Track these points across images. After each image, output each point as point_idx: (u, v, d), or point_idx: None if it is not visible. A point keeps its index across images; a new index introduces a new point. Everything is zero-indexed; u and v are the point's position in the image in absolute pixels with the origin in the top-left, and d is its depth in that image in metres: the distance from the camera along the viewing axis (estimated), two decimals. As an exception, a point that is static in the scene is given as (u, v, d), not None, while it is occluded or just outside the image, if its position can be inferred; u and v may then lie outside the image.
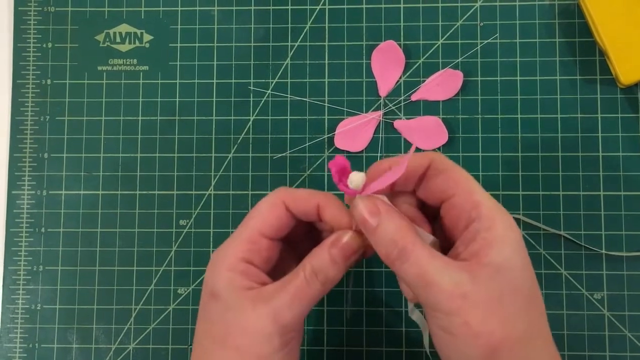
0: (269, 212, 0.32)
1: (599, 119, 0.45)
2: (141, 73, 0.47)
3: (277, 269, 0.34)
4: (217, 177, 0.46)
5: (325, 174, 0.45)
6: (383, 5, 0.46)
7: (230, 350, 0.30)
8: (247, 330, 0.30)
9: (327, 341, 0.44)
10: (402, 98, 0.45)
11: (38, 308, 0.45)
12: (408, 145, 0.45)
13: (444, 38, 0.46)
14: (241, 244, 0.32)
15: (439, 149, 0.45)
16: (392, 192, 0.33)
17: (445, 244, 0.32)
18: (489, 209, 0.29)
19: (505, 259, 0.28)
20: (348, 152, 0.45)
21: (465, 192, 0.30)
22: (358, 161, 0.45)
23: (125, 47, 0.47)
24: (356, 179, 0.30)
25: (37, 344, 0.45)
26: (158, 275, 0.45)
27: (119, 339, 0.45)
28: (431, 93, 0.45)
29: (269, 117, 0.46)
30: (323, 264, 0.31)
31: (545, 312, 0.30)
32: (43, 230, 0.46)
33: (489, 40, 0.45)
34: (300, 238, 0.35)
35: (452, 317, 0.27)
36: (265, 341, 0.30)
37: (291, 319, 0.30)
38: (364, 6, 0.46)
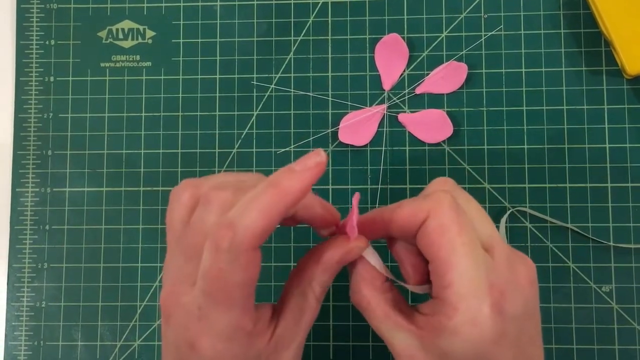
0: (245, 278, 0.27)
1: (605, 110, 0.44)
2: (144, 69, 0.47)
3: None
4: (221, 172, 0.45)
5: (330, 168, 0.45)
6: (386, -1, 0.46)
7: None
8: None
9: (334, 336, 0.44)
10: (406, 91, 0.45)
11: (43, 305, 0.45)
12: (412, 138, 0.45)
13: (447, 31, 0.46)
14: (239, 320, 0.27)
15: (444, 142, 0.44)
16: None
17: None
18: (459, 297, 0.26)
19: (454, 349, 0.27)
20: (352, 146, 0.45)
21: (442, 264, 0.27)
22: (363, 156, 0.45)
23: (128, 44, 0.47)
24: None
25: (42, 342, 0.45)
26: (162, 272, 0.45)
27: (124, 336, 0.45)
28: (435, 86, 0.45)
29: (273, 112, 0.46)
30: (331, 281, 0.30)
31: None
32: (47, 227, 0.46)
33: (493, 32, 0.45)
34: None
35: None
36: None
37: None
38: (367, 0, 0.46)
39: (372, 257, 0.31)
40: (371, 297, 0.29)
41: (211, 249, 0.26)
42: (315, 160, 0.27)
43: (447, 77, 0.45)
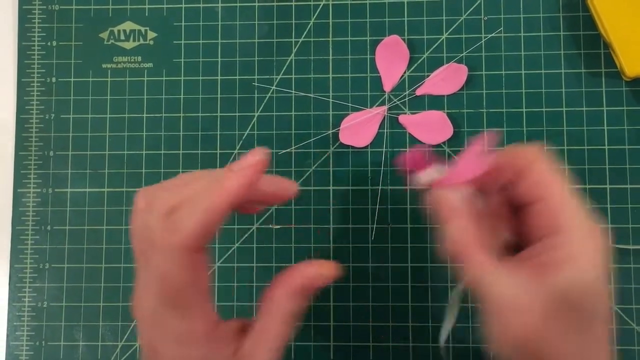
0: (186, 279, 0.27)
1: (605, 112, 0.44)
2: (145, 70, 0.47)
3: None
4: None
5: (331, 169, 0.45)
6: (387, 0, 0.46)
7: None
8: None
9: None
10: (407, 93, 0.45)
11: (44, 306, 0.45)
12: (413, 139, 0.45)
13: (448, 32, 0.46)
14: (189, 323, 0.28)
15: (444, 143, 0.45)
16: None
17: (521, 239, 0.31)
18: (572, 229, 0.28)
19: (570, 281, 0.27)
20: (353, 147, 0.45)
21: (554, 199, 0.28)
22: (363, 157, 0.45)
23: (129, 45, 0.47)
24: (429, 175, 0.30)
25: (43, 342, 0.45)
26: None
27: (126, 336, 0.45)
28: (436, 87, 0.45)
29: (274, 113, 0.46)
30: (300, 306, 0.30)
31: (608, 339, 0.28)
32: (49, 228, 0.46)
33: (493, 34, 0.45)
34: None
35: (501, 325, 0.27)
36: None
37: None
38: (367, 1, 0.46)
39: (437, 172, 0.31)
40: (475, 245, 0.29)
41: (156, 252, 0.26)
42: (253, 159, 0.28)
43: (448, 79, 0.45)
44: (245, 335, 0.29)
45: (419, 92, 0.45)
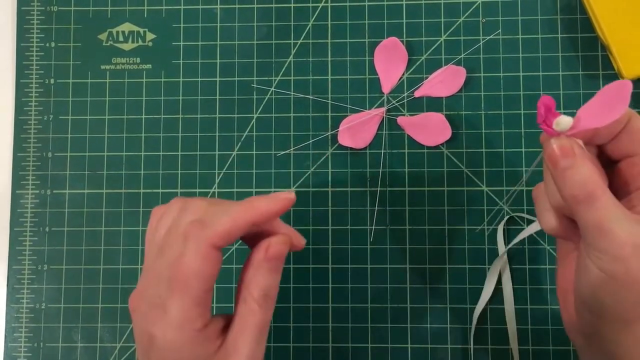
0: (204, 266, 0.30)
1: (602, 113, 0.45)
2: (144, 72, 0.47)
3: None
4: (221, 175, 0.46)
5: (329, 170, 0.45)
6: (385, 3, 0.46)
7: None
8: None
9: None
10: (405, 94, 0.45)
11: (43, 307, 0.45)
12: (411, 141, 0.45)
13: (446, 34, 0.46)
14: (190, 310, 0.29)
15: (442, 145, 0.45)
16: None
17: (616, 192, 0.32)
18: None
19: None
20: (352, 148, 0.45)
21: None
22: (362, 158, 0.45)
23: (128, 46, 0.47)
24: (564, 122, 0.30)
25: (42, 343, 0.45)
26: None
27: (124, 338, 0.45)
28: (434, 89, 0.45)
29: (273, 115, 0.46)
30: (269, 282, 0.31)
31: None
32: (47, 229, 0.46)
33: (491, 37, 0.46)
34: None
35: (618, 262, 0.28)
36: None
37: (260, 353, 0.30)
38: (366, 3, 0.47)
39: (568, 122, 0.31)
40: (605, 186, 0.29)
41: (179, 240, 0.30)
42: (286, 196, 0.32)
43: (446, 81, 0.45)
44: (228, 329, 0.31)
45: (417, 94, 0.45)
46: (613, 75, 0.45)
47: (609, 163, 0.32)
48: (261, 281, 0.31)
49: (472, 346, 0.43)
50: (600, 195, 0.29)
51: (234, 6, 0.47)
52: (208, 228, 0.30)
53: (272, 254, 0.31)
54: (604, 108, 0.30)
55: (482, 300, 0.43)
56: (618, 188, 0.32)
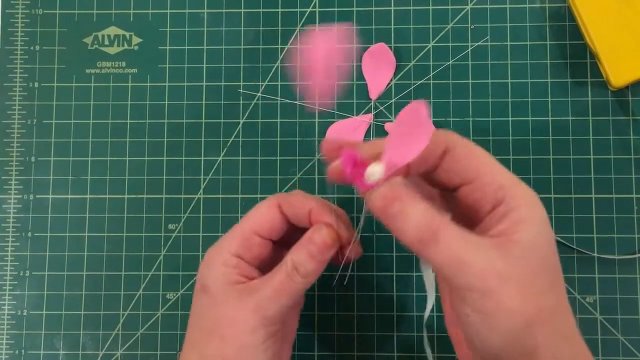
0: (264, 213, 0.35)
1: (590, 121, 0.44)
2: (130, 76, 0.46)
3: (270, 270, 0.34)
4: (207, 180, 0.45)
5: (316, 177, 0.45)
6: (374, 8, 0.46)
7: (216, 341, 0.32)
8: (232, 321, 0.32)
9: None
10: (393, 101, 0.45)
11: (24, 314, 0.45)
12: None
13: (434, 41, 0.46)
14: (235, 240, 0.34)
15: (430, 151, 0.44)
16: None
17: (467, 220, 0.31)
18: (514, 190, 0.29)
19: (533, 236, 0.28)
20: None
21: (488, 175, 0.29)
22: (349, 164, 0.45)
23: (113, 50, 0.47)
24: (376, 173, 0.28)
25: (23, 350, 0.44)
26: (147, 280, 0.45)
27: (107, 345, 0.44)
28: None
29: (259, 120, 0.46)
30: (302, 258, 0.32)
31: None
32: (30, 234, 0.45)
33: (479, 43, 0.45)
34: (294, 242, 0.35)
35: (487, 296, 0.27)
36: (250, 332, 0.32)
37: (275, 311, 0.32)
38: (354, 9, 0.46)
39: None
40: (444, 219, 0.28)
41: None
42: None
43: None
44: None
45: (388, 127, 0.45)
46: (601, 82, 0.44)
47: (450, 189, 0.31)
48: (297, 257, 0.33)
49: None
50: (443, 231, 0.27)
51: (221, 11, 0.47)
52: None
53: (314, 240, 0.33)
54: (408, 138, 0.27)
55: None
56: (468, 216, 0.30)
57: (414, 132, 0.27)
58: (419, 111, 0.26)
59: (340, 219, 0.35)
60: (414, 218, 0.28)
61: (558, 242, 0.43)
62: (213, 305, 0.33)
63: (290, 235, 0.36)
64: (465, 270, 0.27)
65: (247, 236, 0.34)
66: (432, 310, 0.43)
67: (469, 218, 0.30)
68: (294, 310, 0.38)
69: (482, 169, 0.30)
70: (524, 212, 0.28)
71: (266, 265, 0.35)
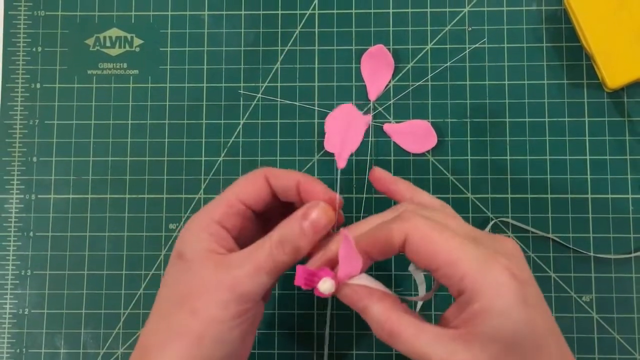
0: (250, 182, 0.34)
1: (586, 122, 0.45)
2: (131, 77, 0.47)
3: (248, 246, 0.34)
4: (207, 180, 0.46)
5: (315, 177, 0.45)
6: (372, 11, 0.47)
7: (185, 312, 0.30)
8: (205, 292, 0.30)
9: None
10: (392, 102, 0.46)
11: (26, 313, 0.45)
12: (397, 148, 0.45)
13: (432, 43, 0.46)
14: (219, 208, 0.33)
15: (428, 152, 0.45)
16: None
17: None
18: (476, 279, 0.28)
19: (495, 325, 0.27)
20: (338, 155, 0.45)
21: (449, 266, 0.29)
22: (348, 164, 0.45)
23: (115, 51, 0.47)
24: (327, 287, 0.31)
25: (24, 349, 0.45)
26: (147, 280, 0.45)
27: (108, 344, 0.44)
28: (403, 139, 0.45)
29: (259, 121, 0.46)
30: (292, 234, 0.32)
31: (556, 353, 0.29)
32: (31, 234, 0.46)
33: (477, 45, 0.46)
34: (278, 219, 0.35)
35: None
36: (222, 307, 0.30)
37: (251, 288, 0.31)
38: (353, 11, 0.47)
39: (370, 282, 0.31)
40: (402, 318, 0.29)
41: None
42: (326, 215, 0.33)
43: (417, 136, 0.45)
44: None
45: (386, 127, 0.45)
46: (597, 84, 0.45)
47: None
48: (286, 232, 0.32)
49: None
50: (398, 331, 0.29)
51: (221, 12, 0.47)
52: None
53: (309, 217, 0.32)
54: (351, 258, 0.30)
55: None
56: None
57: (352, 256, 0.30)
58: (347, 242, 0.30)
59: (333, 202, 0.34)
60: (374, 317, 0.30)
61: (554, 241, 0.44)
62: (187, 272, 0.31)
63: (273, 212, 0.35)
64: None
65: (232, 203, 0.33)
66: (430, 310, 0.44)
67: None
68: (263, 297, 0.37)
69: (442, 258, 0.29)
70: (485, 302, 0.28)
71: (245, 239, 0.34)
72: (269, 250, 0.31)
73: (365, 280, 0.31)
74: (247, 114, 0.46)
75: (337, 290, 0.31)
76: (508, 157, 0.45)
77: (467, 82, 0.46)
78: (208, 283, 0.31)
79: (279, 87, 0.46)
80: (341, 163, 0.34)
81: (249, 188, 0.34)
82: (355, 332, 0.44)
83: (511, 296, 0.28)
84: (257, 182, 0.34)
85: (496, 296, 0.28)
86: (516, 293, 0.28)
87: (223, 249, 0.32)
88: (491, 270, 0.28)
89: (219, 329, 0.30)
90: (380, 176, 0.36)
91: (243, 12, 0.47)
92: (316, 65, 0.46)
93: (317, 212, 0.32)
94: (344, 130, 0.34)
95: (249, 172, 0.35)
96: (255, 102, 0.46)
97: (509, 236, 0.44)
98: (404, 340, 0.28)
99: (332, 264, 0.32)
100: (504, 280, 0.28)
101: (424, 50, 0.46)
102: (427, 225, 0.29)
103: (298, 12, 0.47)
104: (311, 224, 0.32)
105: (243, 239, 0.34)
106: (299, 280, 0.31)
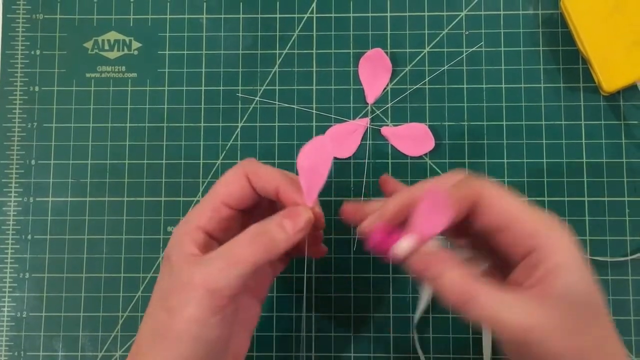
0: (232, 183, 0.34)
1: (583, 125, 0.45)
2: (129, 80, 0.47)
3: None
4: (205, 183, 0.46)
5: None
6: (370, 14, 0.47)
7: (164, 312, 0.31)
8: (180, 293, 0.30)
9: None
10: (389, 105, 0.46)
11: (24, 316, 0.45)
12: (395, 151, 0.45)
13: (430, 46, 0.46)
14: (204, 213, 0.33)
15: (426, 155, 0.45)
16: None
17: (496, 262, 0.32)
18: (548, 237, 0.29)
19: (569, 281, 0.28)
20: (336, 158, 0.45)
21: (519, 223, 0.29)
22: (346, 168, 0.45)
23: (113, 55, 0.47)
24: (405, 247, 0.30)
25: (22, 352, 0.45)
26: (145, 282, 0.45)
27: (106, 347, 0.44)
28: (401, 142, 0.45)
29: (257, 124, 0.46)
30: (269, 226, 0.32)
31: (612, 324, 0.29)
32: (29, 237, 0.46)
33: (474, 49, 0.46)
34: (264, 213, 0.35)
35: (527, 346, 0.28)
36: (194, 304, 0.30)
37: (223, 284, 0.30)
38: (351, 15, 0.47)
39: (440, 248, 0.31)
40: (478, 284, 0.29)
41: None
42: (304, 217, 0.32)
43: (416, 140, 0.45)
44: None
45: (383, 130, 0.45)
46: (594, 87, 0.45)
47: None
48: (264, 225, 0.32)
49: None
50: (477, 295, 0.28)
51: (219, 16, 0.47)
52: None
53: (290, 216, 0.32)
54: (433, 215, 0.30)
55: (420, 310, 0.43)
56: (504, 258, 0.31)
57: (438, 211, 0.30)
58: (439, 198, 0.29)
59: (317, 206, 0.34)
60: (447, 284, 0.29)
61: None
62: (170, 274, 0.32)
63: (259, 204, 0.35)
64: (503, 328, 0.28)
65: (216, 207, 0.33)
66: (428, 312, 0.44)
67: (499, 263, 0.31)
68: (255, 298, 0.36)
69: (512, 217, 0.30)
70: (558, 258, 0.28)
71: (233, 236, 0.33)
72: (243, 243, 0.31)
73: (436, 246, 0.30)
74: (245, 117, 0.46)
75: (413, 252, 0.30)
76: (505, 160, 0.45)
77: (465, 86, 0.46)
78: (182, 282, 0.31)
79: (277, 90, 0.46)
80: (309, 202, 0.33)
81: (231, 189, 0.34)
82: (353, 335, 0.44)
83: (581, 257, 0.29)
84: (240, 183, 0.34)
85: (570, 255, 0.29)
86: (582, 262, 0.29)
87: (206, 250, 0.32)
88: (561, 231, 0.29)
89: (197, 327, 0.30)
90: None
91: (241, 16, 0.47)
92: (314, 69, 0.47)
93: (301, 214, 0.32)
94: (311, 170, 0.33)
95: (232, 168, 0.34)
96: (253, 105, 0.46)
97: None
98: (480, 307, 0.28)
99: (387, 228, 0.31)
100: (573, 241, 0.29)
101: (422, 54, 0.46)
102: (498, 185, 0.30)
103: (296, 15, 0.47)
104: (291, 222, 0.32)
105: (231, 236, 0.33)
106: (374, 241, 0.30)
